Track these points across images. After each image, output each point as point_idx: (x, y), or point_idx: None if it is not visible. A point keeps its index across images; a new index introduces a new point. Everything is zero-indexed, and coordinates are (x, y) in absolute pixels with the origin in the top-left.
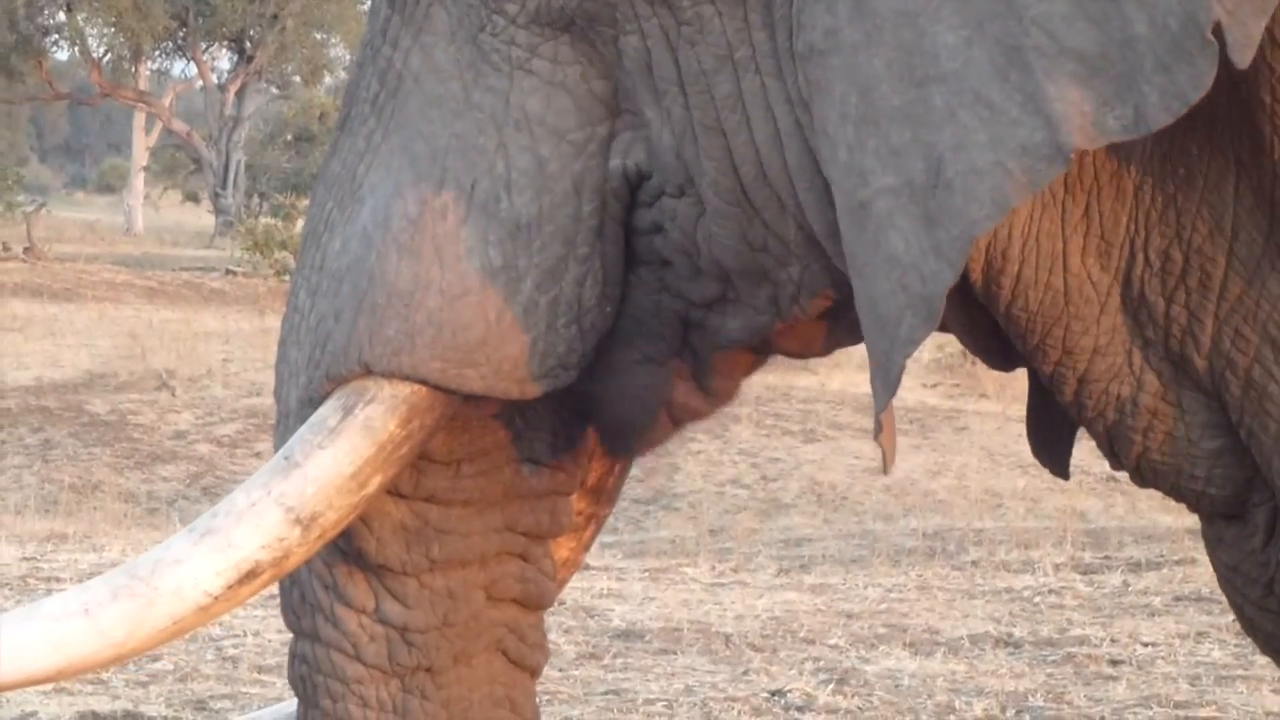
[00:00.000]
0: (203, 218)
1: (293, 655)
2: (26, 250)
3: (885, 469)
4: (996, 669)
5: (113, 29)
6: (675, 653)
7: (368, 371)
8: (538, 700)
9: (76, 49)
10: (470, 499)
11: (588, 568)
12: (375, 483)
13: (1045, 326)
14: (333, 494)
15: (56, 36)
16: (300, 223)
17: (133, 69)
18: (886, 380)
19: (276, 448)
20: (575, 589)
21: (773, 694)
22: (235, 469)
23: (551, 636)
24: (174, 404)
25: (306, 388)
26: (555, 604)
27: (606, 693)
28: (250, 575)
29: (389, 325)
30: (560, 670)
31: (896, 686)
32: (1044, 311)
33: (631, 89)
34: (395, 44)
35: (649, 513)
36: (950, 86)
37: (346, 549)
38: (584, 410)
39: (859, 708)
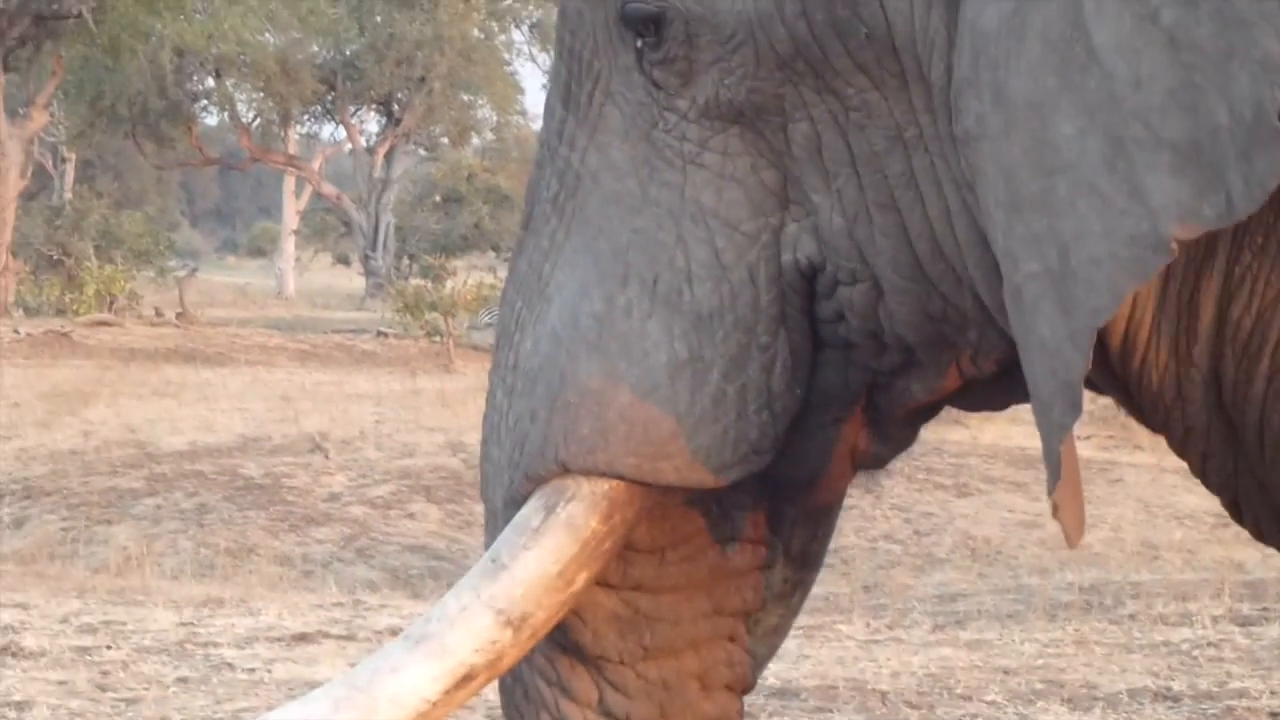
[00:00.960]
0: (353, 280)
1: None
2: (179, 315)
3: (1070, 543)
4: None
5: (261, 94)
6: (831, 710)
7: (565, 470)
8: None
9: (225, 114)
10: (678, 585)
11: None
12: (582, 579)
13: (1166, 407)
14: (541, 594)
15: (205, 102)
16: (450, 284)
17: (281, 133)
18: (1049, 462)
19: (486, 547)
20: None
21: None
22: (389, 530)
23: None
24: (327, 466)
25: (509, 488)
26: None
27: None
28: (466, 679)
29: (583, 424)
30: None
31: None
32: (1164, 392)
33: (799, 176)
34: (572, 144)
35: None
36: (1070, 177)
37: (565, 643)
38: (778, 479)
39: None
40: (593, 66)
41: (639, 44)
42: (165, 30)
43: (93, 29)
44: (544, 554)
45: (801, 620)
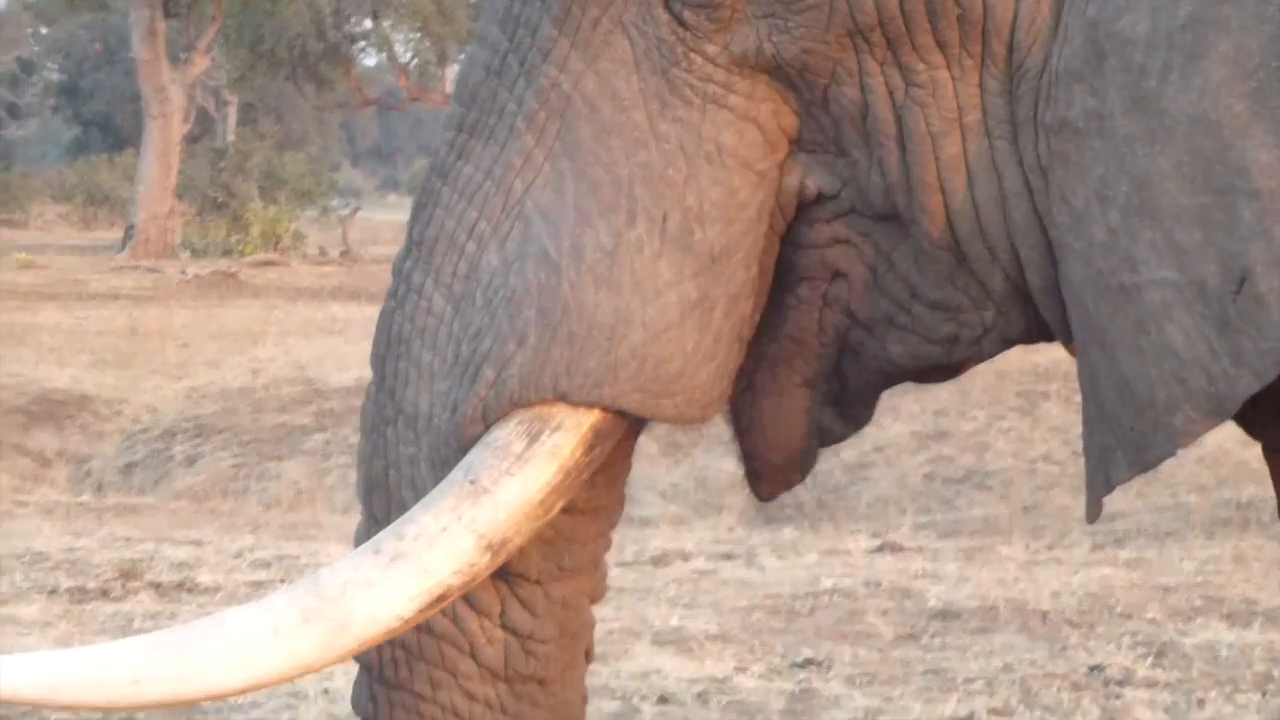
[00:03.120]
0: None
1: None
2: (343, 254)
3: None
4: None
5: (418, 34)
6: (992, 631)
7: (562, 400)
8: (857, 680)
9: (383, 55)
10: (596, 508)
11: (902, 549)
12: (558, 507)
13: None
14: (522, 520)
15: (363, 43)
16: None
17: (439, 72)
18: (1137, 460)
19: (370, 419)
20: (891, 571)
21: (1091, 669)
22: None
23: (869, 618)
24: None
25: (449, 400)
26: (871, 587)
27: (925, 672)
28: (441, 599)
29: (589, 358)
30: (880, 651)
31: (1215, 658)
32: None
33: (830, 127)
34: (562, 66)
35: (960, 492)
36: (1264, 204)
37: None
38: (752, 457)
39: (1178, 680)
40: None
41: None
42: None
43: None
44: (528, 481)
45: (961, 542)
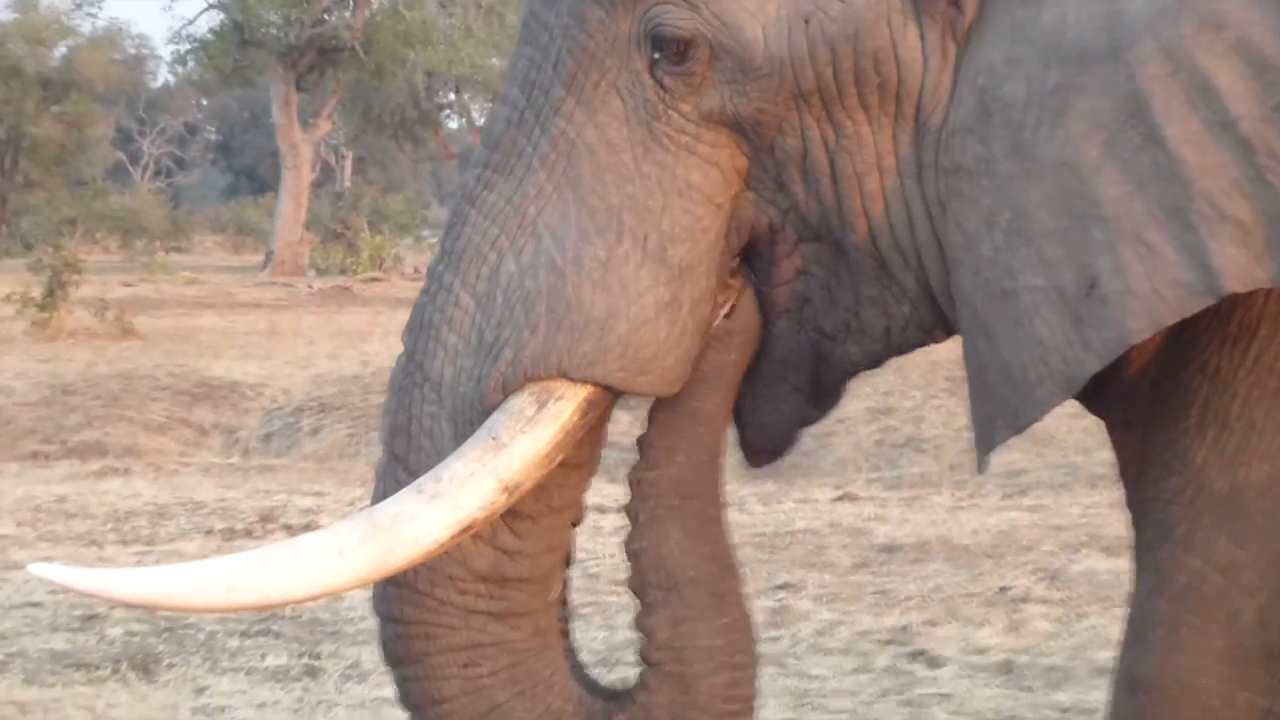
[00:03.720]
0: None
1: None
2: None
3: (979, 469)
4: None
5: (490, 103)
6: (925, 561)
7: (563, 376)
8: (822, 599)
9: (463, 119)
10: (579, 461)
11: (857, 498)
12: (558, 459)
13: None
14: (531, 468)
15: (448, 111)
16: None
17: None
18: (1011, 425)
19: (398, 381)
20: (849, 515)
21: (1000, 590)
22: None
23: (831, 552)
24: None
25: (474, 373)
26: (833, 527)
27: (874, 593)
28: (468, 528)
29: (585, 343)
30: (839, 577)
31: (1095, 581)
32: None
33: (773, 169)
34: (570, 119)
35: (902, 454)
36: (1111, 227)
37: None
38: (751, 447)
39: (1067, 598)
40: (604, 64)
41: (655, 55)
42: (417, 58)
43: (363, 58)
44: (538, 438)
45: (903, 493)
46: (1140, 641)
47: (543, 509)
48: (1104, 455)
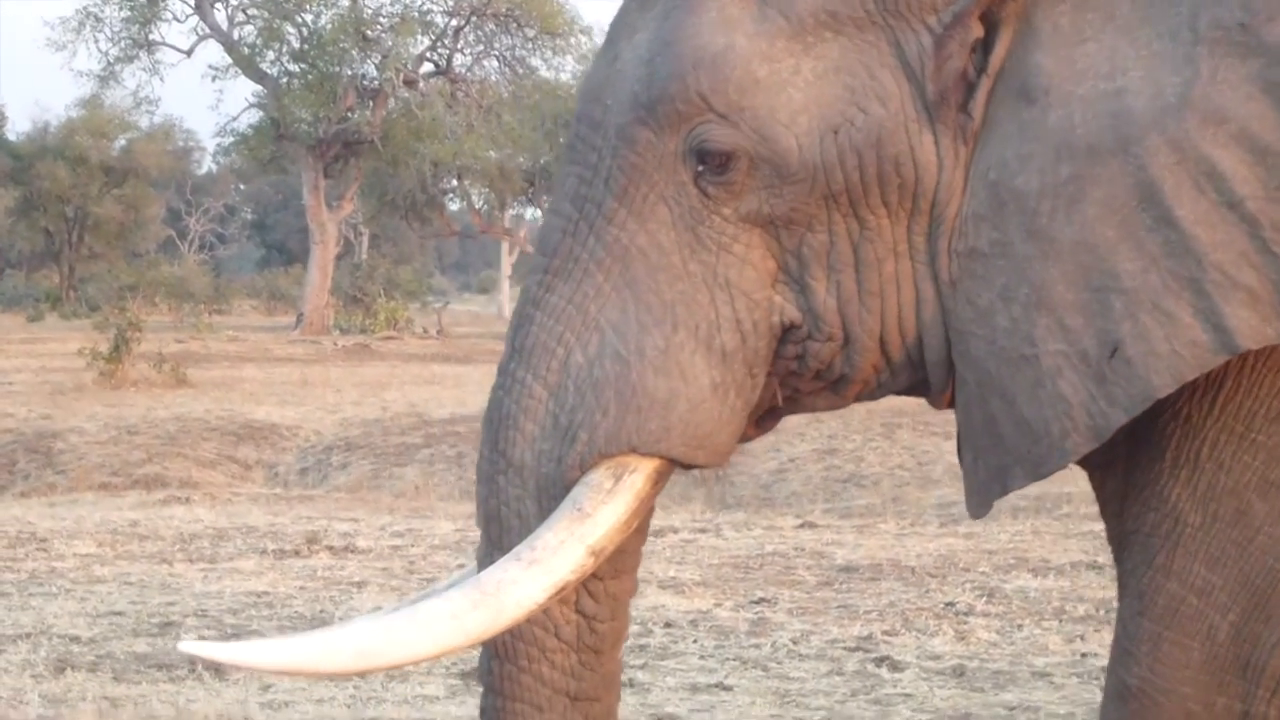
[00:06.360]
0: None
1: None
2: (439, 332)
3: (977, 514)
4: (1089, 584)
5: (487, 189)
6: (880, 579)
7: (633, 451)
8: (794, 612)
9: (464, 202)
10: (640, 527)
11: (816, 525)
12: (634, 525)
13: None
14: (614, 534)
15: (451, 194)
16: None
17: (499, 214)
18: (1032, 473)
19: (485, 471)
20: (809, 539)
21: (946, 604)
22: None
23: (799, 571)
24: None
25: (553, 455)
26: (798, 550)
27: (839, 607)
28: (563, 589)
29: (651, 422)
30: (807, 593)
31: (1026, 597)
32: None
33: (796, 267)
34: (623, 226)
35: (847, 488)
36: (1130, 297)
37: None
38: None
39: (1004, 612)
40: (652, 177)
41: (699, 168)
42: (426, 150)
43: (380, 150)
44: (618, 507)
45: (854, 521)
46: (1128, 656)
47: (610, 571)
48: (1024, 491)
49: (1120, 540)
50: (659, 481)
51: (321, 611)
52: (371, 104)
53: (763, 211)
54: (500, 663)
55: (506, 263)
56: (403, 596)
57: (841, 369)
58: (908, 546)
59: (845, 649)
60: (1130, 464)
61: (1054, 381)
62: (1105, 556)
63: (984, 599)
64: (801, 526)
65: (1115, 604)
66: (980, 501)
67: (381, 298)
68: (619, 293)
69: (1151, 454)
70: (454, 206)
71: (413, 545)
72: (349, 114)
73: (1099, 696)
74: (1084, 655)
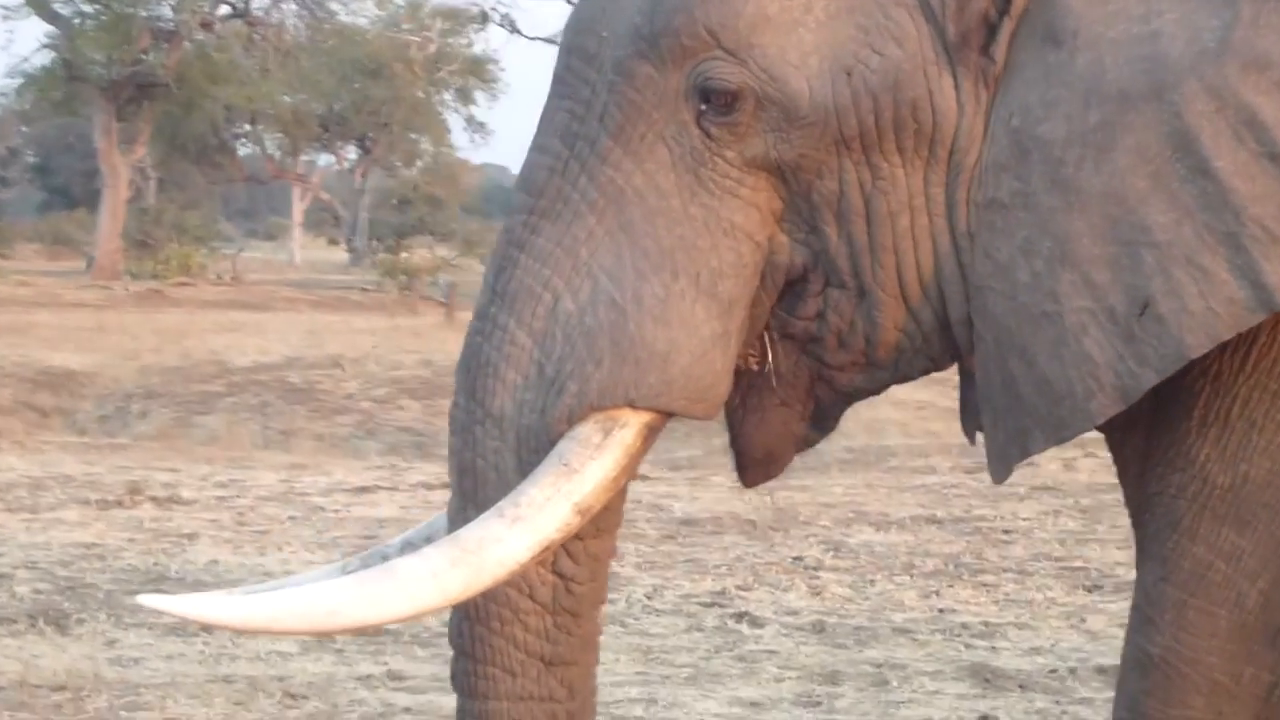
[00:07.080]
0: (339, 255)
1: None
2: (232, 278)
3: (998, 479)
4: (933, 538)
5: (280, 135)
6: (721, 533)
7: (630, 406)
8: (642, 566)
9: (257, 148)
10: (624, 484)
11: (647, 478)
12: (623, 482)
13: None
14: (601, 492)
15: (243, 139)
16: (405, 256)
17: (293, 160)
18: (1054, 436)
19: (460, 421)
20: (645, 491)
21: (794, 559)
22: (386, 418)
23: (639, 524)
24: (344, 377)
25: (537, 406)
26: (636, 503)
27: (686, 561)
28: (547, 549)
29: (650, 375)
30: (652, 546)
31: (873, 552)
32: None
33: (808, 213)
34: (618, 167)
35: (670, 440)
36: (1163, 252)
37: None
38: (740, 458)
39: (853, 566)
40: (651, 116)
41: (703, 107)
42: (220, 94)
43: (175, 93)
44: (606, 463)
45: (685, 473)
46: (1149, 624)
47: (590, 530)
48: (848, 443)
49: (1141, 504)
50: (650, 436)
51: (155, 564)
52: (167, 46)
53: (769, 156)
54: (471, 625)
55: (298, 209)
56: (236, 550)
57: (864, 329)
58: (747, 498)
59: (701, 604)
60: (1154, 423)
61: (1078, 340)
62: (944, 510)
63: (831, 553)
64: (634, 478)
65: (963, 559)
66: (1000, 466)
67: (172, 243)
68: (613, 237)
69: (1178, 412)
70: (244, 151)
71: (238, 496)
72: (144, 56)
73: (964, 653)
74: (941, 611)
